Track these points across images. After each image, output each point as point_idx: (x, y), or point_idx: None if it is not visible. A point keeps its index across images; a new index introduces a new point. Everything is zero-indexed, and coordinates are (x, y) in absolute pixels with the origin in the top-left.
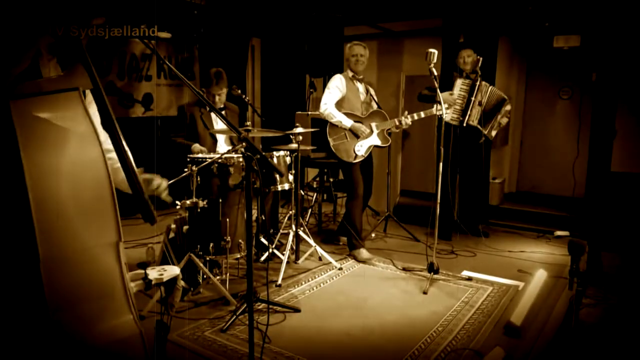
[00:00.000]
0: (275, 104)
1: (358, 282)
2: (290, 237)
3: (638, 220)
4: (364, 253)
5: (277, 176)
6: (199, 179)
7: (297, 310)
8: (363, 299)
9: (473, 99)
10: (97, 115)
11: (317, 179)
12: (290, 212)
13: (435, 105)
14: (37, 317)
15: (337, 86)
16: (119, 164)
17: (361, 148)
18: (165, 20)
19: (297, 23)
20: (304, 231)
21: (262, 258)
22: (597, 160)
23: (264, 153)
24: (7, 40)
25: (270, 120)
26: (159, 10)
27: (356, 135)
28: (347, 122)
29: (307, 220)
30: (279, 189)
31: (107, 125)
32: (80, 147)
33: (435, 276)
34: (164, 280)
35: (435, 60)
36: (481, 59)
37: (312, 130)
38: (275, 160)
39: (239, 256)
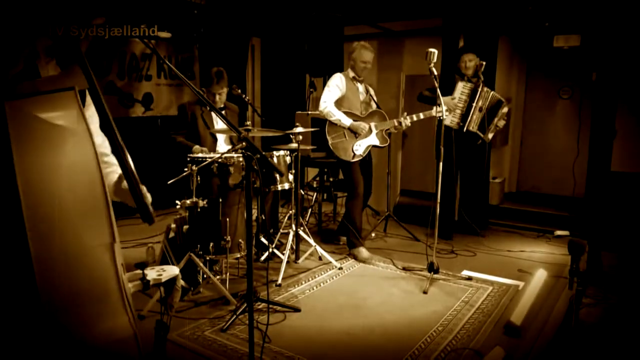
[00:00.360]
0: (275, 103)
1: (358, 281)
2: (290, 237)
3: (638, 220)
4: (364, 252)
5: (277, 176)
6: (199, 178)
7: (297, 309)
8: (363, 299)
9: (474, 104)
10: (96, 117)
11: (317, 178)
12: (290, 211)
13: (435, 107)
14: (31, 318)
15: (337, 85)
16: (111, 169)
17: (359, 147)
18: (165, 20)
19: (297, 23)
20: (304, 231)
21: (262, 258)
22: (597, 160)
23: (264, 152)
24: (4, 41)
25: (270, 119)
26: (158, 10)
27: (355, 134)
28: (346, 121)
29: (307, 219)
30: (279, 188)
31: (105, 126)
32: (75, 147)
33: (436, 276)
34: (163, 280)
35: (435, 60)
36: (484, 63)
37: (312, 130)
38: (275, 159)
39: (239, 256)
